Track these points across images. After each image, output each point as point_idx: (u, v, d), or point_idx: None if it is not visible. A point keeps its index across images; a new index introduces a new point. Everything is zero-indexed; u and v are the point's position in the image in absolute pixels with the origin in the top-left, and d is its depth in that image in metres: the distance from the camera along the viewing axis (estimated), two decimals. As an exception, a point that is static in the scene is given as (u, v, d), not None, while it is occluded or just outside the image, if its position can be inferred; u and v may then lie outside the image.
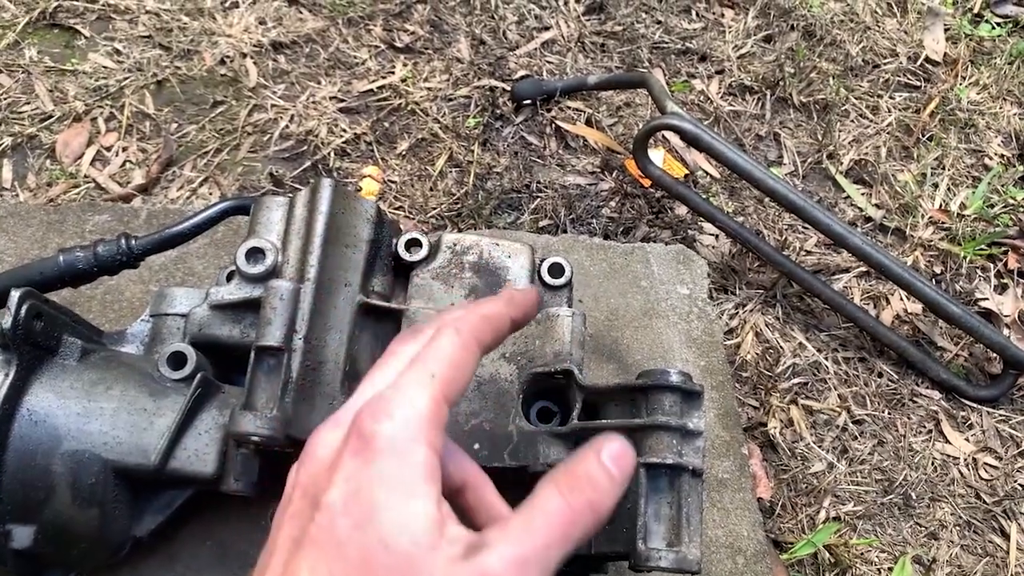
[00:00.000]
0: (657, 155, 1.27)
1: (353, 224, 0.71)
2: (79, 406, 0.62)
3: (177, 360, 0.67)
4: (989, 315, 1.16)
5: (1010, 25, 1.55)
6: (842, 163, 1.33)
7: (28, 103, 1.20)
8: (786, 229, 1.23)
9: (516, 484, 0.77)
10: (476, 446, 0.68)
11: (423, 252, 0.75)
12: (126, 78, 1.25)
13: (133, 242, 0.73)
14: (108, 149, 1.17)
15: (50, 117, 1.19)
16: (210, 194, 1.14)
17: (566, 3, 1.44)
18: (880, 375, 1.10)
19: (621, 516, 0.63)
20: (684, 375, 0.64)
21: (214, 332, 0.69)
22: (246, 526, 0.75)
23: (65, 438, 0.60)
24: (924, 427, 1.07)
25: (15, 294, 0.58)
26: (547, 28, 1.41)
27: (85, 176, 1.14)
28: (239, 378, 0.68)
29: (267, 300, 0.66)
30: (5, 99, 1.19)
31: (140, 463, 0.62)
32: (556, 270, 0.77)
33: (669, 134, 1.32)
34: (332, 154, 1.21)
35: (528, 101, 1.31)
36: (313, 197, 0.70)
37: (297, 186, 1.17)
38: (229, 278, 0.72)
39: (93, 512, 0.62)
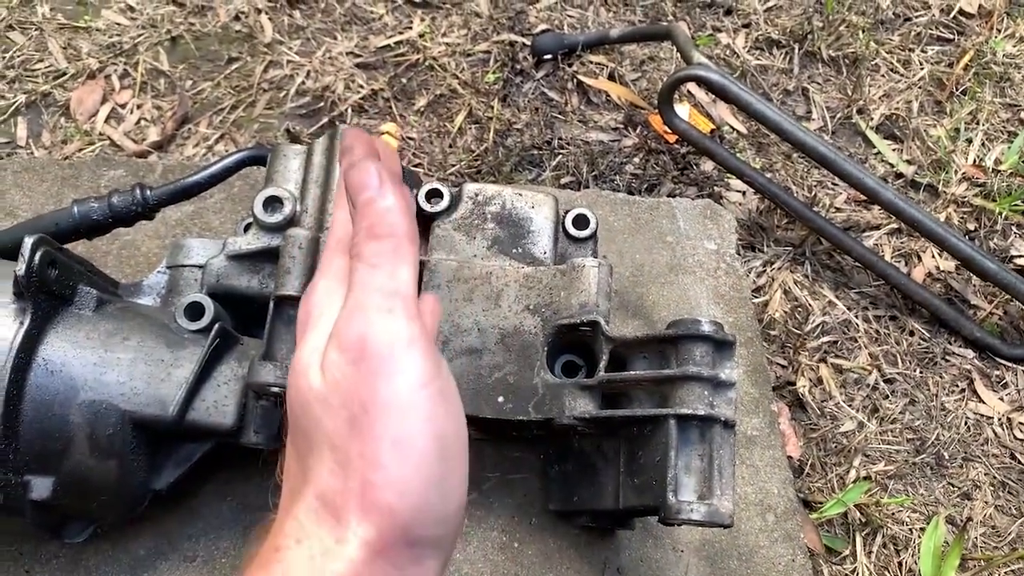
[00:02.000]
0: (682, 110, 1.23)
1: (373, 172, 0.69)
2: (95, 356, 0.60)
3: (194, 311, 0.65)
4: (1024, 273, 1.13)
5: (1048, -25, 1.50)
6: (872, 118, 1.29)
7: (41, 60, 1.18)
8: (815, 185, 1.20)
9: (540, 439, 0.75)
10: (500, 399, 0.66)
11: (444, 203, 0.73)
12: (140, 35, 1.22)
13: (148, 192, 0.72)
14: (123, 106, 1.15)
15: (64, 74, 1.17)
16: (226, 151, 1.12)
17: (587, -44, 1.41)
18: (912, 333, 1.08)
19: (650, 468, 0.62)
20: (716, 324, 0.62)
21: (232, 283, 0.68)
22: (266, 483, 0.74)
23: (82, 388, 0.59)
24: (957, 386, 1.04)
25: (28, 241, 0.57)
26: (568, -19, 1.38)
27: (100, 133, 1.12)
28: (257, 331, 0.67)
29: (286, 249, 0.64)
30: (18, 56, 1.18)
31: (158, 414, 0.61)
32: (581, 221, 0.75)
33: (694, 88, 1.28)
34: (349, 110, 1.18)
35: (549, 56, 1.27)
36: (332, 144, 0.69)
37: (314, 143, 1.14)
38: (246, 230, 0.71)
39: (112, 464, 0.61)
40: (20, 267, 0.56)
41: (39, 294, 0.58)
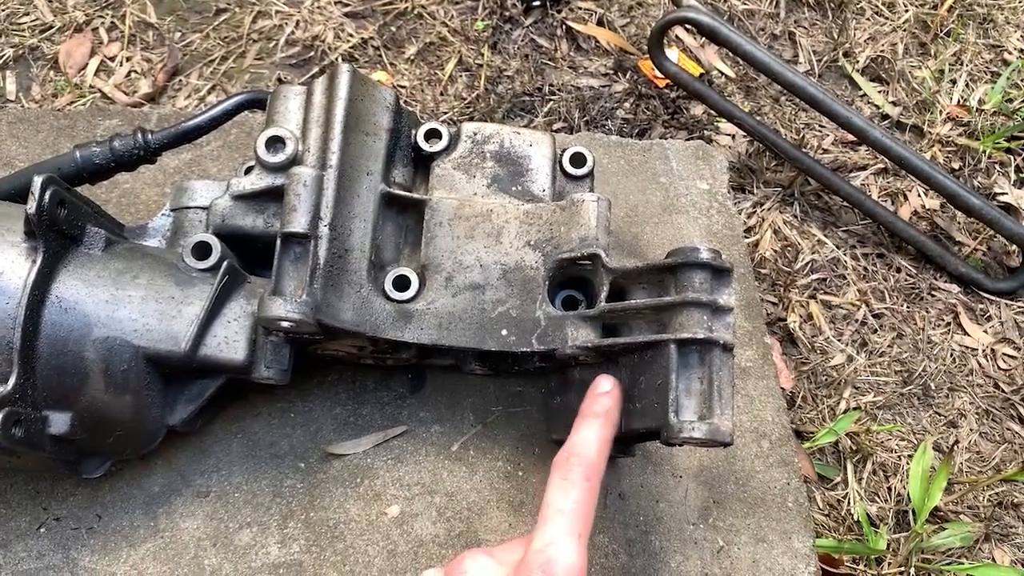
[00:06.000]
0: (671, 55, 1.24)
1: (373, 112, 0.70)
2: (107, 294, 0.61)
3: (202, 250, 0.66)
4: (1008, 209, 1.15)
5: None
6: (858, 61, 1.31)
7: (27, 14, 1.17)
8: (803, 128, 1.21)
9: (541, 372, 0.77)
10: (504, 332, 0.68)
11: (443, 142, 0.74)
12: (125, -13, 1.21)
13: (150, 136, 0.72)
14: (112, 59, 1.15)
15: (50, 28, 1.16)
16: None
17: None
18: (899, 270, 1.10)
19: (651, 393, 0.64)
20: (714, 252, 0.63)
21: (237, 222, 0.69)
22: (275, 420, 0.76)
23: (95, 325, 0.60)
24: (943, 320, 1.07)
25: (38, 179, 0.57)
26: (555, -72, 1.37)
27: (91, 86, 1.12)
28: (262, 271, 0.68)
29: (290, 187, 0.65)
30: (3, 10, 1.17)
31: (171, 350, 0.62)
32: (578, 160, 0.76)
33: (682, 33, 1.29)
34: (339, 59, 1.18)
35: (537, 3, 1.28)
36: (332, 84, 0.69)
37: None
38: (247, 173, 0.71)
39: (127, 399, 0.62)
40: (31, 205, 0.57)
41: (49, 233, 0.59)
